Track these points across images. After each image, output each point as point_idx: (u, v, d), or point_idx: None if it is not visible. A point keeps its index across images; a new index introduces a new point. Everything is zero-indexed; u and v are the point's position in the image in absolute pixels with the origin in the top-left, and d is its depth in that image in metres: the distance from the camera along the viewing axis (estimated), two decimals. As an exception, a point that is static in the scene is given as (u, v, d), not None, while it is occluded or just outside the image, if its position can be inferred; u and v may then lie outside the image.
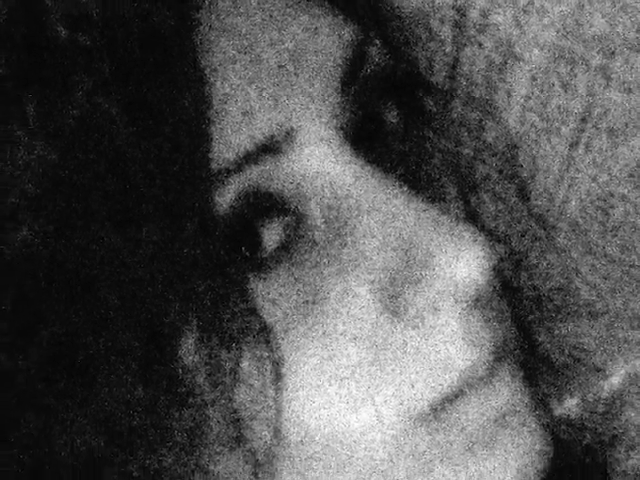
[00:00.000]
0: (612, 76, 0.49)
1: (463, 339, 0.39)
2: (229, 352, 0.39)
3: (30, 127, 0.37)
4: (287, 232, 0.40)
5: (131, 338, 0.38)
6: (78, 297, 0.38)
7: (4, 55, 0.38)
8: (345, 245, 0.41)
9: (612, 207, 0.47)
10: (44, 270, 0.38)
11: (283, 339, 0.39)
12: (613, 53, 0.48)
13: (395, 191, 0.41)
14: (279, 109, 0.40)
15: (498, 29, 0.48)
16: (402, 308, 0.40)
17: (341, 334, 0.39)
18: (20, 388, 0.38)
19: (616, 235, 0.47)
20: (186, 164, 0.38)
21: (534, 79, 0.48)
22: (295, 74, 0.40)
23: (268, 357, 0.39)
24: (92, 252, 0.38)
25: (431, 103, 0.51)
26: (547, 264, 0.46)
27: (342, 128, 0.42)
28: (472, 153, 0.47)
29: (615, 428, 0.46)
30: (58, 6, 0.38)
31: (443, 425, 0.40)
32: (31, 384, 0.38)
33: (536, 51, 0.48)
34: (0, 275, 0.38)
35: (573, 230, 0.47)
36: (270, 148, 0.39)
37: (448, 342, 0.39)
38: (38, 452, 0.39)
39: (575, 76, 0.49)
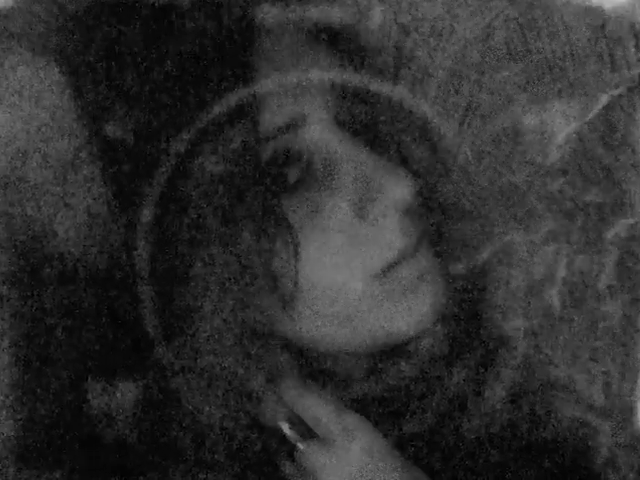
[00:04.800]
0: (483, 85, 0.53)
1: (400, 231, 0.47)
2: (269, 238, 0.46)
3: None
4: (302, 172, 0.48)
5: (218, 229, 0.45)
6: (195, 206, 0.45)
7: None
8: (334, 179, 0.48)
9: (483, 158, 0.52)
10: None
11: (299, 231, 0.47)
12: (483, 72, 0.52)
13: (362, 149, 0.48)
14: (298, 103, 0.47)
15: (419, 59, 0.52)
16: (365, 214, 0.48)
17: (331, 229, 0.47)
18: (176, 255, 0.45)
19: (485, 174, 0.52)
20: (247, 134, 0.45)
21: (439, 87, 0.53)
22: (307, 84, 0.48)
23: (291, 241, 0.46)
24: (200, 181, 0.45)
25: (382, 101, 0.50)
26: (446, 190, 0.52)
27: (332, 114, 0.47)
28: (404, 127, 0.51)
29: (485, 282, 0.53)
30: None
31: (388, 280, 0.48)
32: (177, 251, 0.46)
33: (441, 71, 0.52)
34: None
35: (461, 171, 0.52)
36: (293, 125, 0.47)
37: (391, 233, 0.47)
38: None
39: (462, 85, 0.53)
